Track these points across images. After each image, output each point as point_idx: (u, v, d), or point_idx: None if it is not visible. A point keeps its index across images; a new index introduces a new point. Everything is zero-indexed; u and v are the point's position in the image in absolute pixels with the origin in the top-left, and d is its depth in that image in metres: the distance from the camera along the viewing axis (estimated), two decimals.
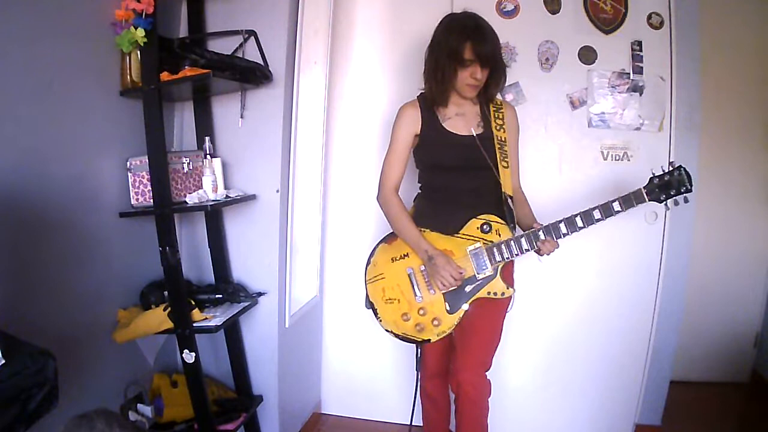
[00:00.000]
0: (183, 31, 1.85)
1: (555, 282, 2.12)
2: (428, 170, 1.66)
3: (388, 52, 2.17)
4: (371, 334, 2.18)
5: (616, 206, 1.49)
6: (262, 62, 1.74)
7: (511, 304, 1.62)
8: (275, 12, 1.77)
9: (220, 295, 1.76)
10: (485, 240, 1.55)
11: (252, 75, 1.69)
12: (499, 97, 1.65)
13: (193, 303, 1.62)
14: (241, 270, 1.91)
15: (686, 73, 1.97)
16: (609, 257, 2.08)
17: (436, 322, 1.56)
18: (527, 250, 1.53)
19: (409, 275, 1.60)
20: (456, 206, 1.59)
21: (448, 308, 1.56)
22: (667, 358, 2.12)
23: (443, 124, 1.59)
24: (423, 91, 1.63)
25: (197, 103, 1.85)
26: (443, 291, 1.55)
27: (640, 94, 2.00)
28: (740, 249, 2.65)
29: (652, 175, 1.51)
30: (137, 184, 1.62)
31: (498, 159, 1.58)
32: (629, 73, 1.99)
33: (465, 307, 1.56)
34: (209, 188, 1.70)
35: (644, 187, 1.50)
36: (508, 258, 1.53)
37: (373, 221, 2.06)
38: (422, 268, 1.58)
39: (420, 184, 1.71)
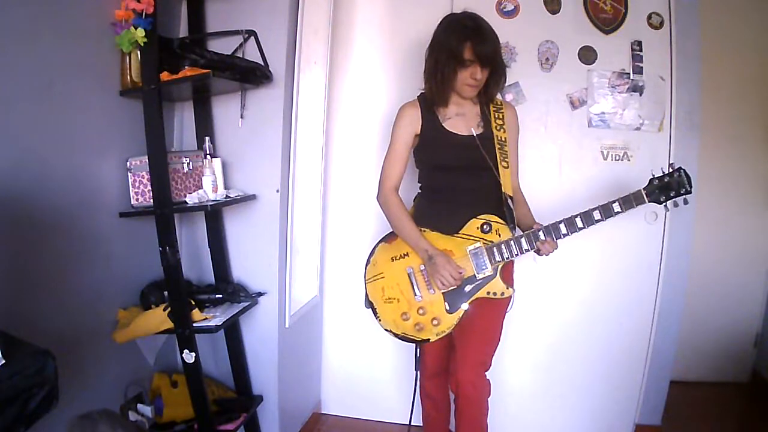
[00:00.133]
0: (183, 31, 1.85)
1: (555, 282, 2.12)
2: (428, 170, 1.66)
3: (388, 52, 2.17)
4: (371, 334, 2.19)
5: (616, 207, 1.49)
6: (262, 62, 1.74)
7: (510, 304, 1.62)
8: (275, 12, 1.77)
9: (220, 295, 1.77)
10: (485, 240, 1.55)
11: (252, 75, 1.69)
12: (499, 97, 1.65)
13: (193, 303, 1.62)
14: (241, 270, 1.91)
15: (686, 73, 1.97)
16: (609, 257, 2.08)
17: (435, 322, 1.56)
18: (527, 251, 1.53)
19: (408, 275, 1.60)
20: (456, 206, 1.59)
21: (447, 308, 1.56)
22: (667, 358, 2.12)
23: (443, 124, 1.59)
24: (423, 91, 1.63)
25: (197, 103, 1.85)
26: (443, 290, 1.55)
27: (640, 94, 2.00)
28: (740, 249, 2.65)
29: (651, 177, 1.51)
30: (137, 184, 1.62)
31: (498, 159, 1.58)
32: (629, 73, 1.99)
33: (464, 306, 1.56)
34: (209, 188, 1.70)
35: (644, 189, 1.50)
36: (507, 258, 1.54)
37: (373, 221, 2.06)
38: (422, 267, 1.58)
39: (420, 184, 1.71)
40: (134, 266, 1.71)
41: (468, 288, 1.56)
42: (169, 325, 1.57)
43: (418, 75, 1.62)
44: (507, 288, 1.56)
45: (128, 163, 1.62)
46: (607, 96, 2.01)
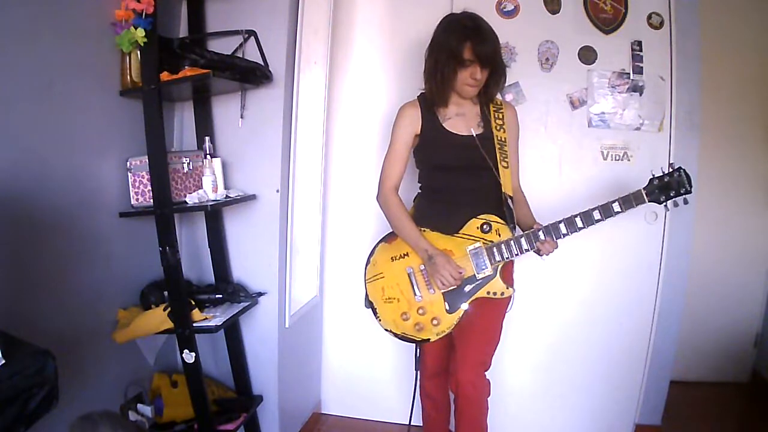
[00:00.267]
0: (183, 31, 1.85)
1: (555, 282, 2.12)
2: (428, 170, 1.66)
3: (388, 52, 2.17)
4: (371, 334, 2.19)
5: (616, 207, 1.50)
6: (262, 62, 1.74)
7: (510, 304, 1.62)
8: (275, 12, 1.77)
9: (220, 295, 1.77)
10: (485, 240, 1.55)
11: (252, 75, 1.69)
12: (499, 97, 1.65)
13: (193, 303, 1.62)
14: (241, 270, 1.91)
15: (686, 73, 1.97)
16: (609, 257, 2.08)
17: (435, 322, 1.56)
18: (527, 251, 1.53)
19: (408, 275, 1.60)
20: (456, 206, 1.59)
21: (447, 308, 1.56)
22: (667, 358, 2.12)
23: (443, 124, 1.59)
24: (423, 91, 1.63)
25: (197, 103, 1.85)
26: (443, 290, 1.55)
27: (640, 94, 2.00)
28: (740, 249, 2.65)
29: (651, 176, 1.51)
30: (137, 184, 1.62)
31: (498, 159, 1.58)
32: (629, 73, 1.99)
33: (464, 306, 1.56)
34: (209, 188, 1.70)
35: (644, 188, 1.50)
36: (507, 258, 1.54)
37: (373, 221, 2.06)
38: (422, 267, 1.58)
39: (420, 184, 1.71)
40: (134, 266, 1.71)
41: (468, 288, 1.56)
42: (169, 325, 1.57)
43: (418, 75, 1.62)
44: (507, 288, 1.56)
45: (128, 163, 1.62)
46: (607, 96, 2.01)
